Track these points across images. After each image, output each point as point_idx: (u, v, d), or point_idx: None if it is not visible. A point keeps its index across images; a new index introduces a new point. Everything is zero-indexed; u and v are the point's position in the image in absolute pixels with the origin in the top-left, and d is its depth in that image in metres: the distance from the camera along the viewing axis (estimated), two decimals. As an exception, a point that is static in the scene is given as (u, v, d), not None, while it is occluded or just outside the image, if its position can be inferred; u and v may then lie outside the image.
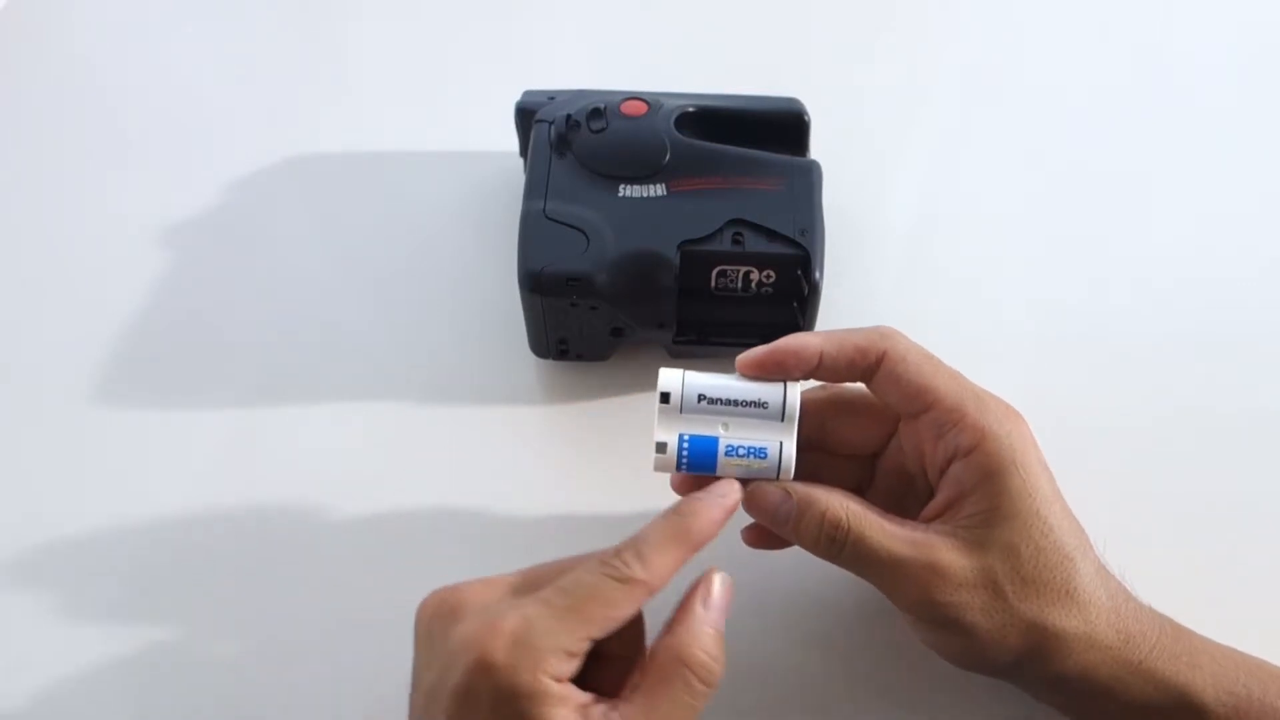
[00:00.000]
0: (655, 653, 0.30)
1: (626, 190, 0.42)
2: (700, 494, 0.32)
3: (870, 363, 0.33)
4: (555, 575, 0.30)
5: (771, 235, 0.40)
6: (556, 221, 0.40)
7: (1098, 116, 0.55)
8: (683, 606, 0.31)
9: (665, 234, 0.40)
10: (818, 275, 0.40)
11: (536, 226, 0.40)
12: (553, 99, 0.46)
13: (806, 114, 0.45)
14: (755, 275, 0.40)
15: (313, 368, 0.45)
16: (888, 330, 0.34)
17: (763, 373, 0.33)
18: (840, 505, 0.32)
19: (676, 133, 0.43)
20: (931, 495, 0.33)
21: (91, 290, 0.49)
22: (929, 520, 0.32)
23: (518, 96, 0.47)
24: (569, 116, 0.43)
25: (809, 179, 0.42)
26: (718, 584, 0.32)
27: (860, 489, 0.36)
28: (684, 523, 0.31)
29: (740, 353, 0.34)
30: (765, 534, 0.34)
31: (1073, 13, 0.60)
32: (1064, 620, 0.31)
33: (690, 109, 0.45)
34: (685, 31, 0.59)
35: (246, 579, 0.40)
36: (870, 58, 0.58)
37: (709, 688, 0.30)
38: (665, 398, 0.33)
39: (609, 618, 0.29)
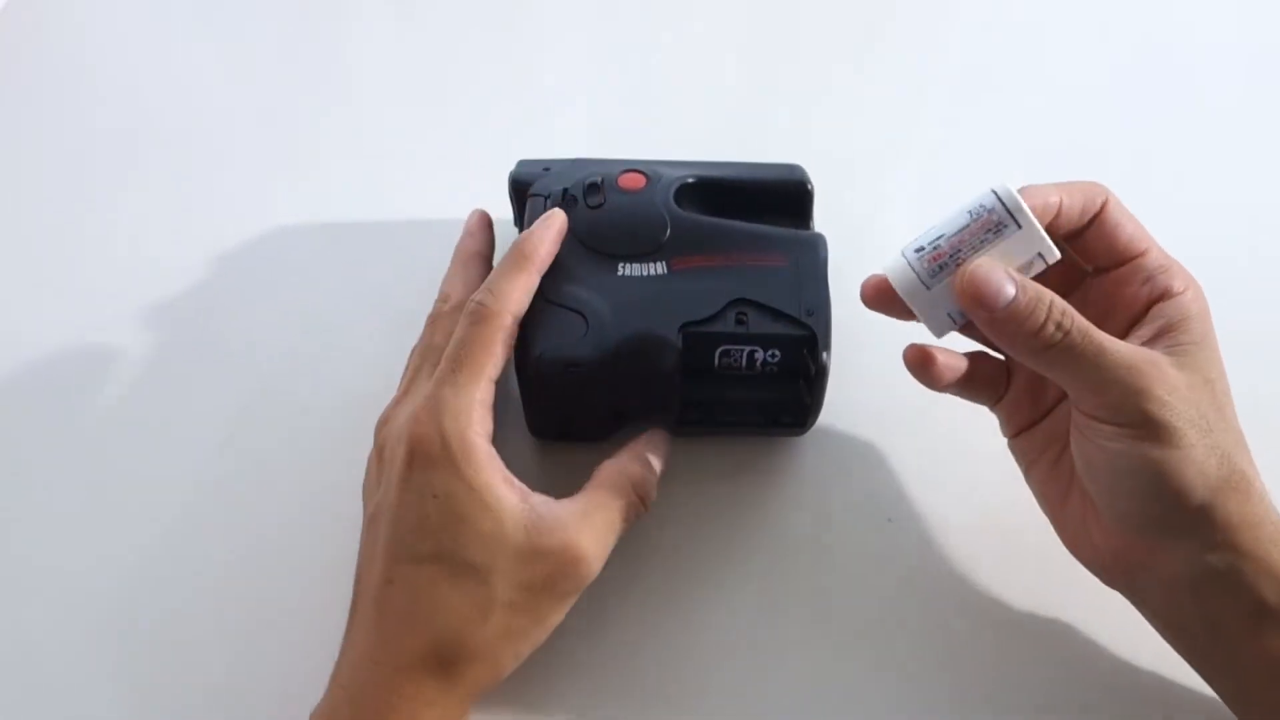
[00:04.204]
0: (600, 469, 0.37)
1: (626, 269, 0.40)
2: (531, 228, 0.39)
3: (1095, 210, 0.36)
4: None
5: (776, 315, 0.39)
6: (554, 304, 0.39)
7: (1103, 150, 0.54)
8: (628, 445, 0.38)
9: (667, 315, 0.39)
10: (825, 356, 0.39)
11: (533, 310, 0.39)
12: (548, 170, 0.44)
13: (810, 182, 0.44)
14: (760, 355, 0.39)
15: (306, 434, 0.45)
16: (1101, 184, 0.36)
17: None
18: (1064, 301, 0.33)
19: (676, 208, 0.42)
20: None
21: (91, 290, 0.49)
22: None
23: (513, 165, 0.46)
24: (565, 191, 0.42)
25: (814, 255, 0.41)
26: (661, 437, 0.39)
27: (1000, 389, 0.39)
28: (520, 249, 0.38)
29: (744, 433, 0.41)
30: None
31: (1077, 55, 0.59)
32: (1245, 463, 0.32)
33: (690, 179, 0.43)
34: (682, 91, 0.58)
35: (245, 588, 0.41)
36: (872, 117, 0.57)
37: (643, 503, 0.37)
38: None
39: (494, 355, 0.35)
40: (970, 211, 0.34)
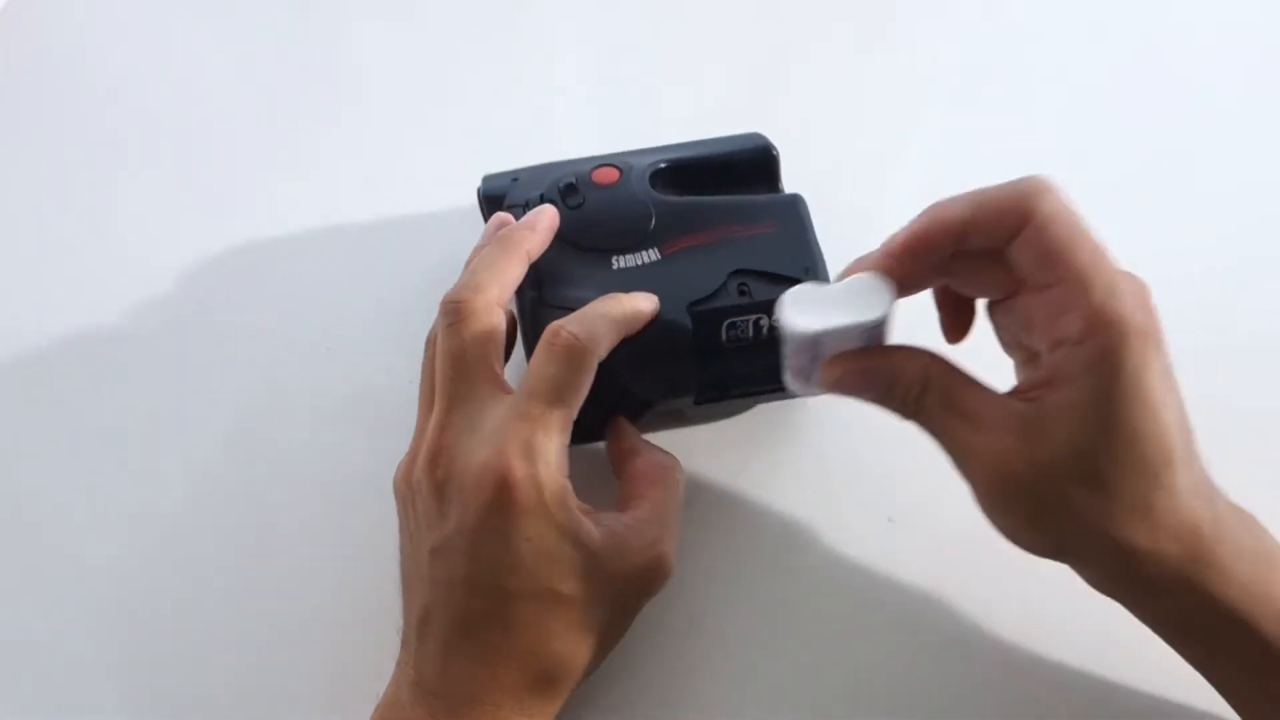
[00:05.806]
0: (638, 471, 0.37)
1: (620, 261, 0.40)
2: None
3: (1012, 226, 0.29)
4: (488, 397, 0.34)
5: (776, 279, 0.39)
6: (557, 308, 0.38)
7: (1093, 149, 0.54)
8: (633, 440, 0.38)
9: (671, 298, 0.39)
10: None
11: (538, 317, 0.39)
12: (516, 180, 0.44)
13: (774, 147, 0.44)
14: (765, 321, 0.39)
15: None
16: (1038, 183, 0.29)
17: (914, 262, 0.31)
18: (920, 364, 0.32)
19: (655, 194, 0.42)
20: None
21: (91, 290, 0.49)
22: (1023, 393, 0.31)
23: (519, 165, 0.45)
24: (541, 196, 0.42)
25: (798, 214, 0.41)
26: (624, 423, 0.39)
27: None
28: (619, 298, 0.37)
29: (758, 401, 0.41)
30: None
31: (1077, 55, 0.59)
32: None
33: (663, 164, 0.43)
34: (683, 91, 0.58)
35: (246, 586, 0.41)
36: (872, 116, 0.57)
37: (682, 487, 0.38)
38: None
39: (582, 396, 0.34)
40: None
